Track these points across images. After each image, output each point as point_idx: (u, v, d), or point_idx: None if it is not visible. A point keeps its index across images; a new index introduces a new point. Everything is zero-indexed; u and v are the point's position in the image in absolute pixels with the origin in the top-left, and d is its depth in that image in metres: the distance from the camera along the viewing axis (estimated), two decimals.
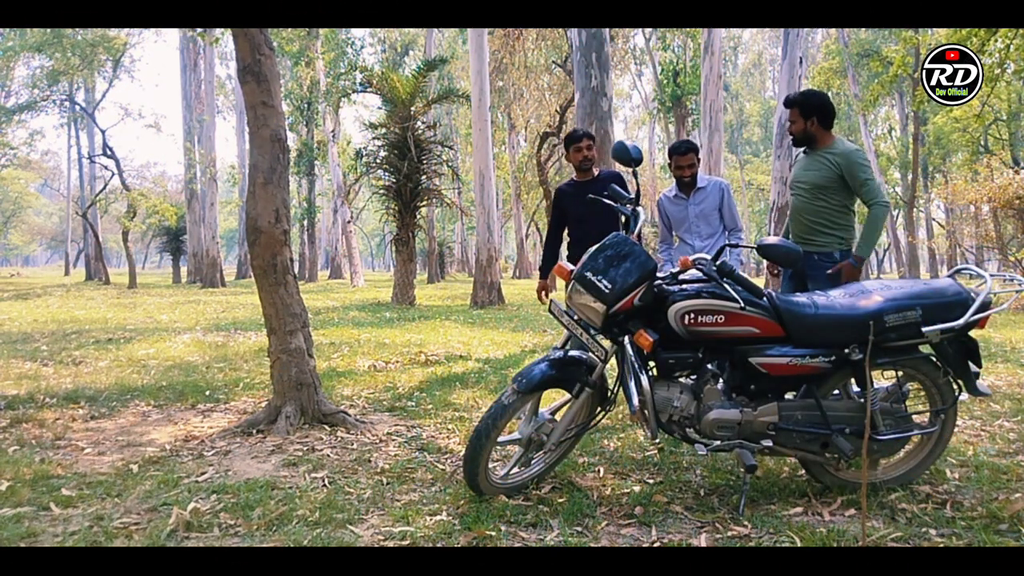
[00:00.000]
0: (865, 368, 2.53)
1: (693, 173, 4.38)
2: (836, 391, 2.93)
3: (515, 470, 2.98)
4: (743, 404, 2.79)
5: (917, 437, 3.00)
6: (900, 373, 2.88)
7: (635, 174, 3.16)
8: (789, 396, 2.87)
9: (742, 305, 2.67)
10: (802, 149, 3.92)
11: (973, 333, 2.85)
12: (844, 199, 3.72)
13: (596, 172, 4.41)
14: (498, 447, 3.11)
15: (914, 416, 2.92)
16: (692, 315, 2.68)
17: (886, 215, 3.69)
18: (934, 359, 2.87)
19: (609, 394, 2.98)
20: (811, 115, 3.69)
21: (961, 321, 2.68)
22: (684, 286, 2.77)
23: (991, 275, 2.80)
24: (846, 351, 2.72)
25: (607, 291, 2.67)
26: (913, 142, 24.82)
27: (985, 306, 2.72)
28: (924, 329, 2.70)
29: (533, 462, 3.04)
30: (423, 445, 3.71)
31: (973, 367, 2.84)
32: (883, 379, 3.10)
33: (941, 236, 28.03)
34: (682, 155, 4.36)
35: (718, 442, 2.78)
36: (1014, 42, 7.46)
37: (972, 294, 2.76)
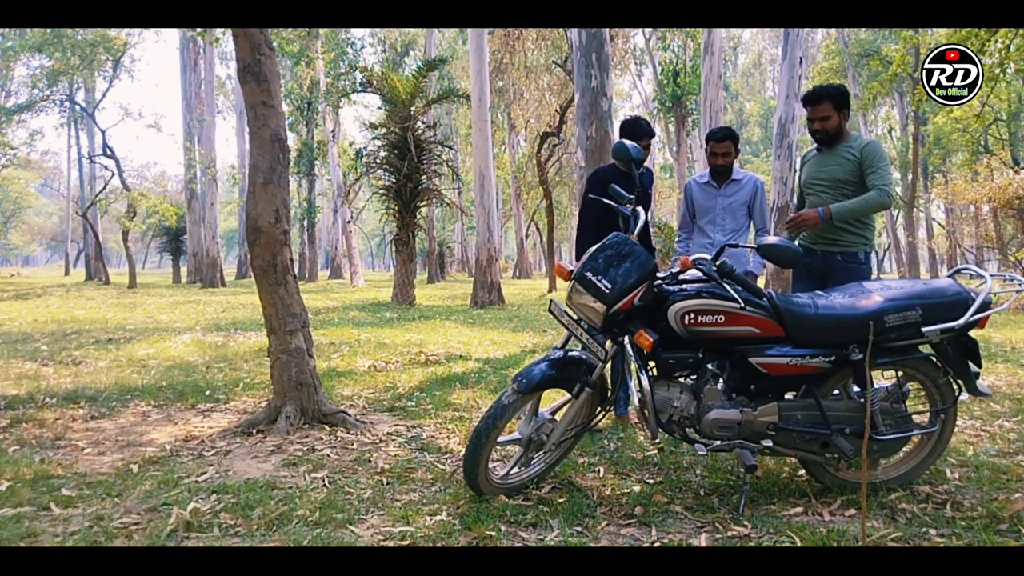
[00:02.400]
0: (865, 368, 2.52)
1: (728, 163, 4.09)
2: (836, 391, 2.93)
3: (515, 470, 2.98)
4: (743, 404, 2.79)
5: (917, 437, 3.00)
6: (900, 373, 2.88)
7: (634, 174, 3.15)
8: (789, 396, 2.87)
9: (742, 305, 2.68)
10: (814, 147, 3.74)
11: (973, 333, 2.85)
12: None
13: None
14: (498, 447, 3.11)
15: (914, 416, 2.92)
16: (692, 315, 2.68)
17: (883, 203, 3.46)
18: (934, 359, 2.87)
19: (609, 394, 2.99)
20: (844, 107, 3.54)
21: (961, 321, 2.69)
22: (684, 286, 2.77)
23: (991, 275, 2.80)
24: (846, 351, 2.72)
25: (607, 291, 2.66)
26: (913, 142, 24.83)
27: (985, 306, 2.73)
28: (924, 329, 2.71)
29: (533, 462, 3.04)
30: (423, 445, 3.71)
31: (973, 367, 2.84)
32: (883, 379, 3.11)
33: (941, 236, 28.05)
34: (719, 141, 4.05)
35: (718, 442, 2.78)
36: (1014, 42, 7.45)
37: (972, 294, 2.76)
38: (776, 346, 2.75)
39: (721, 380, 2.84)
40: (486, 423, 2.76)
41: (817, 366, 2.73)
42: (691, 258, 2.75)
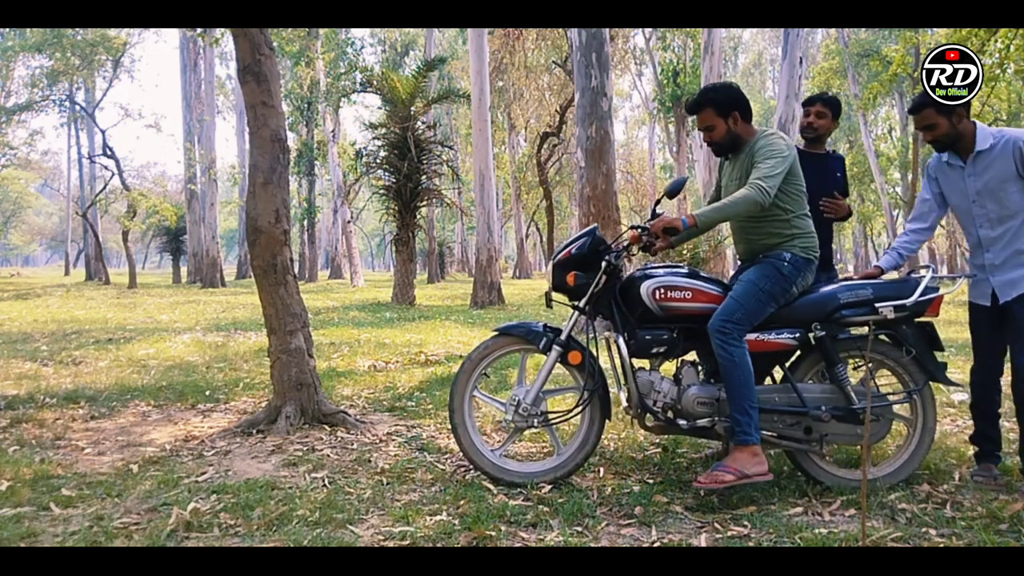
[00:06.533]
0: (828, 345, 2.90)
1: (937, 136, 3.00)
2: (811, 380, 3.12)
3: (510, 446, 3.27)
4: (722, 386, 2.95)
5: (905, 430, 3.17)
6: (869, 364, 3.01)
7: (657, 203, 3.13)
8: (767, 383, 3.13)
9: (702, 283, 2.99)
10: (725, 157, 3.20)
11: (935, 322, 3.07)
12: (785, 203, 2.96)
13: (830, 150, 3.78)
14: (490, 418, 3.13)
15: (890, 397, 3.08)
16: (662, 290, 2.95)
17: (752, 199, 2.78)
18: (895, 339, 3.06)
19: (610, 395, 3.09)
20: (731, 110, 3.02)
21: (911, 299, 2.92)
22: (657, 270, 3.06)
23: (931, 267, 3.12)
24: (809, 330, 2.96)
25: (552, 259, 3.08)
26: (913, 142, 24.76)
27: (931, 290, 2.96)
28: (877, 305, 2.93)
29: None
30: (423, 445, 3.71)
31: (938, 355, 3.04)
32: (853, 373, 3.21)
33: (941, 236, 28.04)
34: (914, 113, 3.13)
35: (702, 420, 2.94)
36: (1014, 42, 7.46)
37: (917, 279, 3.00)
38: None
39: (699, 369, 3.08)
40: (466, 361, 3.18)
41: (783, 343, 2.95)
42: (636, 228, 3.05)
